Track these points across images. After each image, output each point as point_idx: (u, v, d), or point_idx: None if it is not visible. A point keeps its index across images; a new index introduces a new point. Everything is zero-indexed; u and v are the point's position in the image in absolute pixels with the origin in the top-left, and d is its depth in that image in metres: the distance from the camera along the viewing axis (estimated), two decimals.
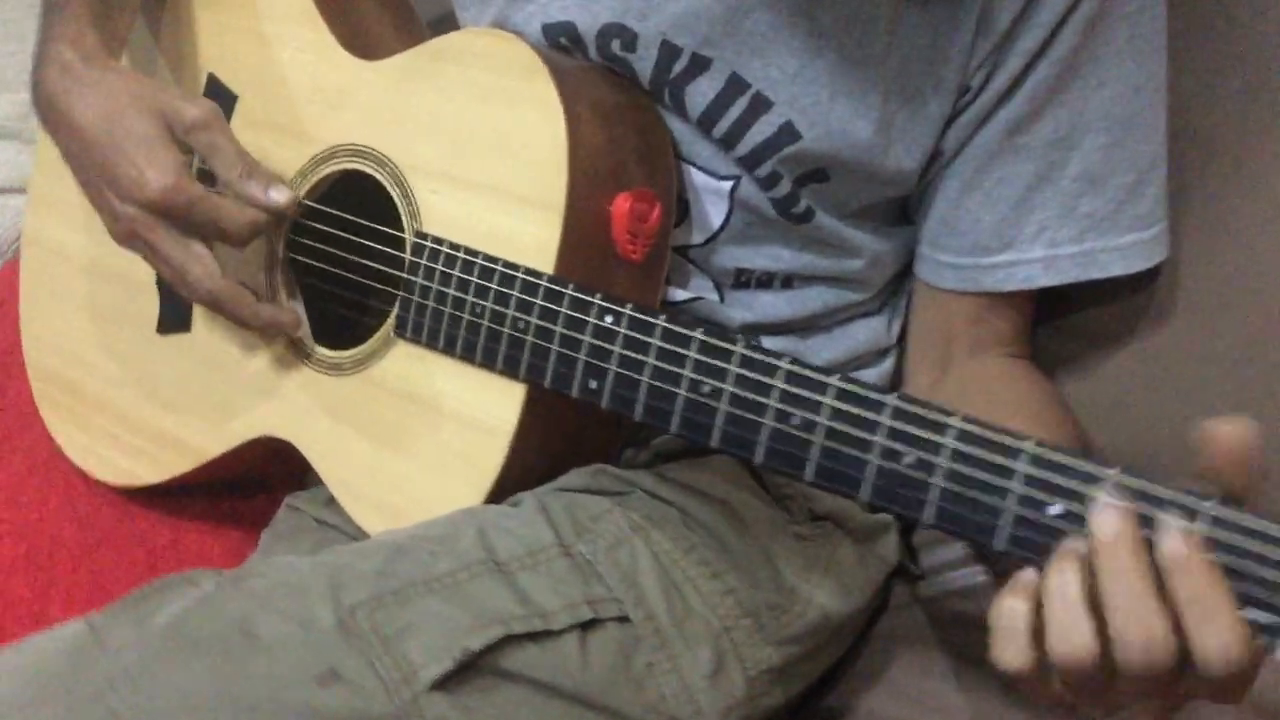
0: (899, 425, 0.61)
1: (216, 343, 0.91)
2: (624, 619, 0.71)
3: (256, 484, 1.06)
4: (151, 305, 0.95)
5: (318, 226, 0.88)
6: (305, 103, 0.87)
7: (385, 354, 0.82)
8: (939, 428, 0.60)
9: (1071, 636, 0.53)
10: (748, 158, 0.81)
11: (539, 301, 0.74)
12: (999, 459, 0.59)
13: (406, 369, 0.81)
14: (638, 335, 0.69)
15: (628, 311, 0.70)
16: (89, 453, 1.00)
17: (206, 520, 1.03)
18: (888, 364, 0.91)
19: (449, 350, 0.78)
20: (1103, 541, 0.53)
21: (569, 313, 0.72)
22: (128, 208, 0.80)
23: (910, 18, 0.76)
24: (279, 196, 0.82)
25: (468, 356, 0.77)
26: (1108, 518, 0.54)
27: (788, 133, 0.79)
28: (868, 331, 0.90)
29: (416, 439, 0.80)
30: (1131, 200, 0.80)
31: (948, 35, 0.76)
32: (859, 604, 0.81)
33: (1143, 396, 0.84)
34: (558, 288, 0.73)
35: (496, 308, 0.76)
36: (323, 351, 0.86)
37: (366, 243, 0.86)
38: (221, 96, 0.92)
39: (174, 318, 0.94)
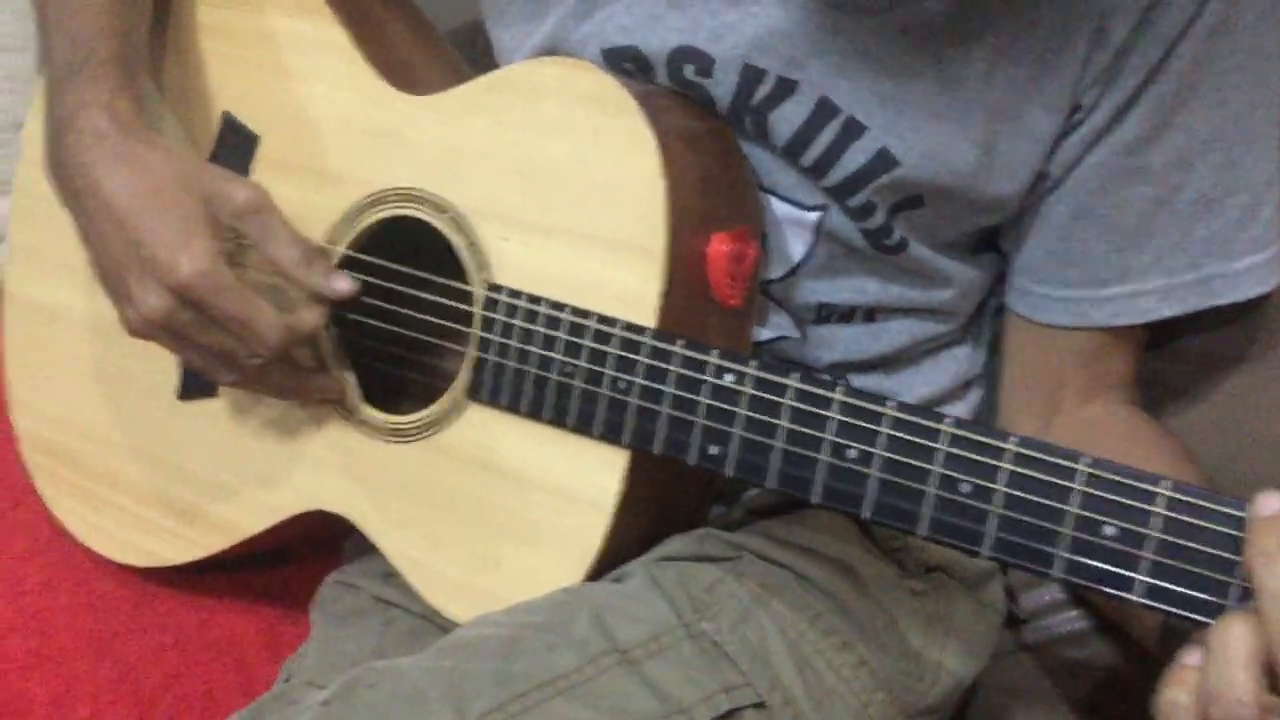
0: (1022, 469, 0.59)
1: (249, 408, 0.83)
2: (760, 705, 0.65)
3: (280, 554, 0.98)
4: (169, 369, 0.87)
5: (363, 279, 0.80)
6: (343, 143, 0.79)
7: (456, 419, 0.75)
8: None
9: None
10: (840, 187, 0.75)
11: (643, 359, 0.67)
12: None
13: (483, 435, 0.73)
14: (767, 396, 0.63)
15: (752, 371, 0.63)
16: (100, 533, 0.91)
17: (235, 598, 0.95)
18: (974, 396, 0.86)
19: (534, 414, 0.71)
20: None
21: (681, 371, 0.66)
22: (152, 294, 0.71)
23: (1018, 30, 0.71)
24: (342, 285, 0.75)
25: (558, 420, 0.70)
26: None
27: (884, 159, 0.74)
28: (954, 363, 0.85)
29: (500, 513, 0.72)
30: (1248, 222, 0.75)
31: (1058, 48, 0.71)
32: (984, 663, 0.76)
33: (1254, 419, 0.80)
34: (664, 344, 0.66)
35: (591, 367, 0.69)
36: (376, 415, 0.78)
37: (422, 296, 0.78)
38: (240, 137, 0.84)
39: (197, 382, 0.85)
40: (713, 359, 0.64)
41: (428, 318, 0.77)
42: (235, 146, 0.84)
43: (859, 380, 0.82)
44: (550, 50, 0.80)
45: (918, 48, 0.71)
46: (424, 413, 0.76)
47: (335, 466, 0.79)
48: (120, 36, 0.77)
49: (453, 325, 0.83)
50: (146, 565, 0.89)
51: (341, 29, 0.80)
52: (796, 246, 0.79)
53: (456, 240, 0.74)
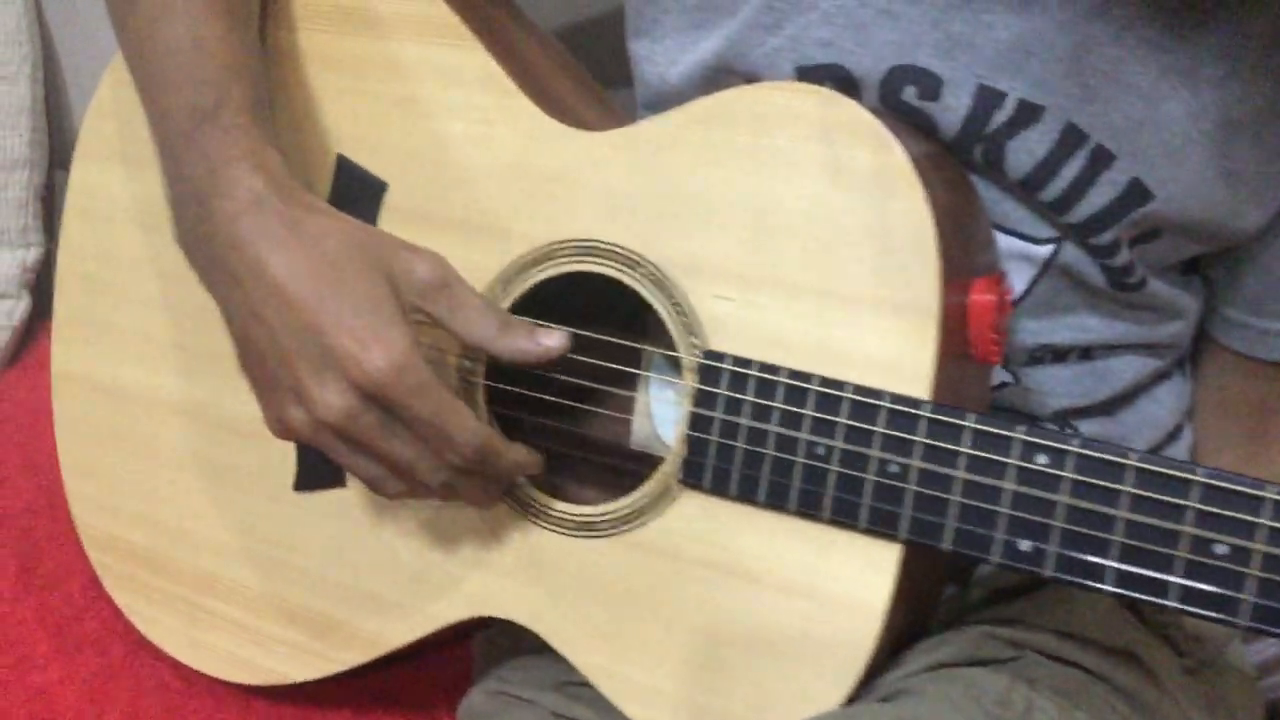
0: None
1: (386, 501, 0.71)
2: None
3: None
4: (280, 455, 0.74)
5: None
6: (496, 189, 0.67)
7: (664, 508, 0.64)
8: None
9: None
10: (1086, 224, 0.65)
11: (920, 439, 0.57)
12: None
13: (704, 528, 0.62)
14: (1096, 481, 0.53)
15: (1075, 449, 0.53)
16: (201, 648, 0.78)
17: (345, 706, 0.83)
18: (1189, 435, 0.78)
19: (776, 503, 0.60)
20: None
21: (973, 453, 0.55)
22: (332, 392, 0.59)
23: (1272, 44, 0.62)
24: (552, 341, 0.63)
25: (806, 510, 0.59)
26: None
27: (1137, 192, 0.64)
28: (1173, 399, 0.76)
29: (731, 620, 0.62)
30: None
31: None
32: None
33: None
34: (951, 419, 0.56)
35: (850, 448, 0.58)
36: (559, 506, 0.67)
37: (609, 366, 0.68)
38: (361, 185, 0.71)
39: (318, 470, 0.73)
40: (1019, 435, 0.54)
41: (620, 391, 0.66)
42: (356, 196, 0.71)
43: (1085, 427, 0.73)
44: (723, 68, 0.69)
45: (1178, 67, 0.62)
46: (622, 502, 0.65)
47: (509, 567, 0.68)
48: (251, 76, 0.65)
49: (619, 392, 0.72)
50: (264, 684, 0.77)
51: (487, 54, 0.68)
52: (1016, 283, 0.69)
53: (656, 300, 0.63)
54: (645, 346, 0.65)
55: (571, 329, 0.66)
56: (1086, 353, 0.73)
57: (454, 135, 0.69)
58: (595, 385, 0.70)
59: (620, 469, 0.75)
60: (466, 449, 0.60)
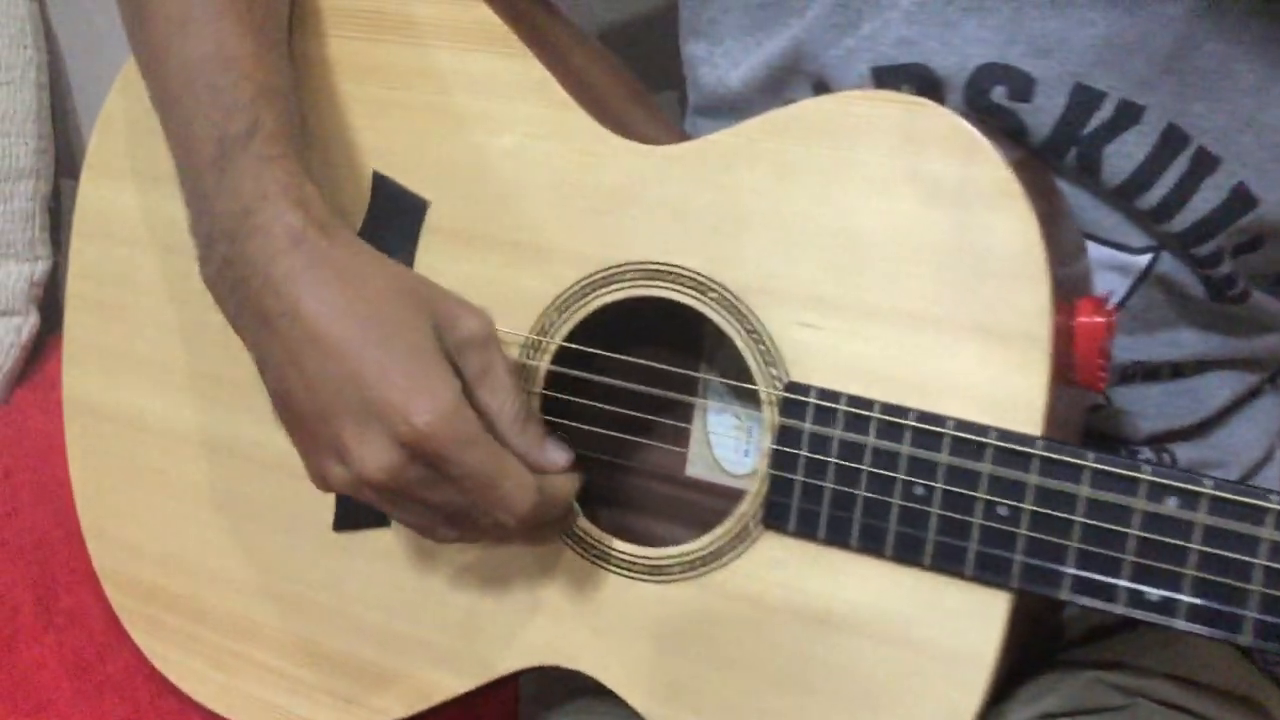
0: None
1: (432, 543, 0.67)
2: None
3: None
4: (315, 492, 0.68)
5: (590, 378, 0.64)
6: (550, 207, 0.62)
7: (743, 551, 0.59)
8: None
9: None
10: (1188, 233, 0.61)
11: (1034, 479, 0.52)
12: None
13: (788, 573, 0.57)
14: (1233, 526, 0.49)
15: (1209, 491, 0.49)
16: (234, 696, 0.73)
17: None
18: None
19: (870, 548, 0.55)
20: None
21: (1095, 495, 0.51)
22: (376, 448, 0.54)
23: None
24: (559, 457, 0.59)
25: (905, 556, 0.55)
26: None
27: (1242, 198, 0.60)
28: (1266, 417, 0.72)
29: (820, 671, 0.57)
30: None
31: None
32: None
33: None
34: (1070, 459, 0.51)
35: (953, 489, 0.53)
36: (624, 548, 0.62)
37: (637, 389, 0.63)
38: (399, 204, 0.66)
39: (360, 510, 0.68)
40: (1146, 476, 0.50)
41: (645, 415, 0.62)
42: (395, 216, 0.66)
43: (1182, 451, 0.69)
44: (789, 70, 0.64)
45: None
46: (696, 544, 0.60)
47: (571, 613, 0.63)
48: (283, 98, 0.59)
49: (679, 424, 0.67)
50: None
51: (535, 61, 0.63)
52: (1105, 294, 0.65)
53: (731, 328, 0.59)
54: (702, 375, 0.60)
55: (624, 355, 0.62)
56: (1178, 369, 0.69)
57: (501, 149, 0.63)
58: (645, 416, 0.66)
59: (677, 500, 0.71)
60: (519, 504, 0.56)
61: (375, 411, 0.54)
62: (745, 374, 0.60)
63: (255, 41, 0.60)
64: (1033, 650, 0.62)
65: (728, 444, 0.70)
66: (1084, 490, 0.51)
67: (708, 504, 0.71)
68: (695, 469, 0.71)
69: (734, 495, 0.71)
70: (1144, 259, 0.63)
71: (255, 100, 0.58)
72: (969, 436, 0.53)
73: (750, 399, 0.67)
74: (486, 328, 0.57)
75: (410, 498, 0.56)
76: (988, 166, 0.53)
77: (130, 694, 0.78)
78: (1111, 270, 0.64)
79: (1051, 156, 0.61)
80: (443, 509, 0.57)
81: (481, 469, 0.55)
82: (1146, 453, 0.68)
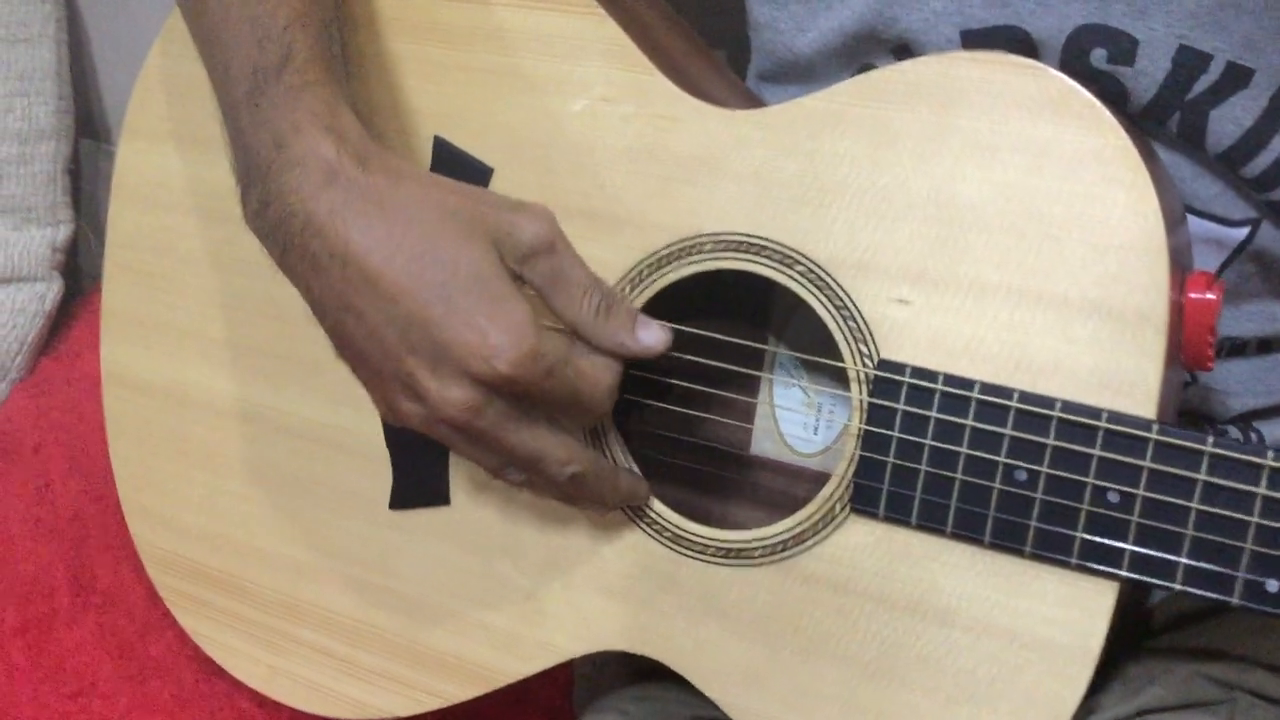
0: None
1: (497, 520, 0.64)
2: None
3: None
4: (372, 469, 0.67)
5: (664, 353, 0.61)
6: (624, 175, 0.59)
7: (828, 535, 0.57)
8: None
9: None
10: None
11: (1148, 464, 0.49)
12: None
13: (876, 558, 0.55)
14: None
15: None
16: (285, 678, 0.71)
17: None
18: None
19: (966, 534, 0.53)
20: None
21: (1212, 480, 0.48)
22: (453, 386, 0.51)
23: None
24: (650, 337, 0.56)
25: (1004, 543, 0.53)
26: None
27: None
28: None
29: (911, 662, 0.55)
30: None
31: None
32: None
33: None
34: (1189, 444, 0.48)
35: (1060, 474, 0.51)
36: (697, 529, 0.60)
37: (709, 364, 0.60)
38: (462, 169, 0.63)
39: (418, 486, 0.66)
40: (1269, 462, 0.47)
41: (716, 391, 0.59)
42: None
43: (1269, 429, 0.67)
44: (867, 35, 0.61)
45: None
46: (778, 527, 0.58)
47: (642, 596, 0.61)
48: (320, 27, 0.56)
49: (744, 399, 0.65)
50: (354, 718, 0.70)
51: (608, 20, 0.59)
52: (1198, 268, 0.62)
53: (818, 303, 0.56)
54: (770, 348, 0.58)
55: (688, 327, 0.59)
56: (1266, 345, 0.66)
57: (571, 114, 0.60)
58: (710, 390, 0.63)
59: (741, 479, 0.69)
60: (605, 403, 0.55)
61: (451, 353, 0.51)
62: (821, 348, 0.58)
63: None
64: (1121, 636, 0.60)
65: (795, 421, 0.67)
66: (1201, 476, 0.49)
67: (773, 483, 0.69)
68: (761, 446, 0.68)
69: (800, 474, 0.69)
70: (1241, 232, 0.61)
71: (289, 28, 0.55)
72: (1080, 419, 0.50)
73: (822, 374, 0.65)
74: (547, 229, 0.54)
75: (487, 436, 0.53)
76: (1105, 135, 0.50)
77: (175, 676, 0.76)
78: (1207, 243, 0.61)
79: (1151, 123, 0.58)
80: (515, 453, 0.54)
81: (567, 394, 0.53)
82: (1234, 431, 0.66)
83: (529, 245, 0.53)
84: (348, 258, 0.52)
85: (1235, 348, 0.66)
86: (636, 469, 0.61)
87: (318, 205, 0.52)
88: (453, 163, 0.64)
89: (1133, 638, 0.63)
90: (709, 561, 0.59)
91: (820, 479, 0.65)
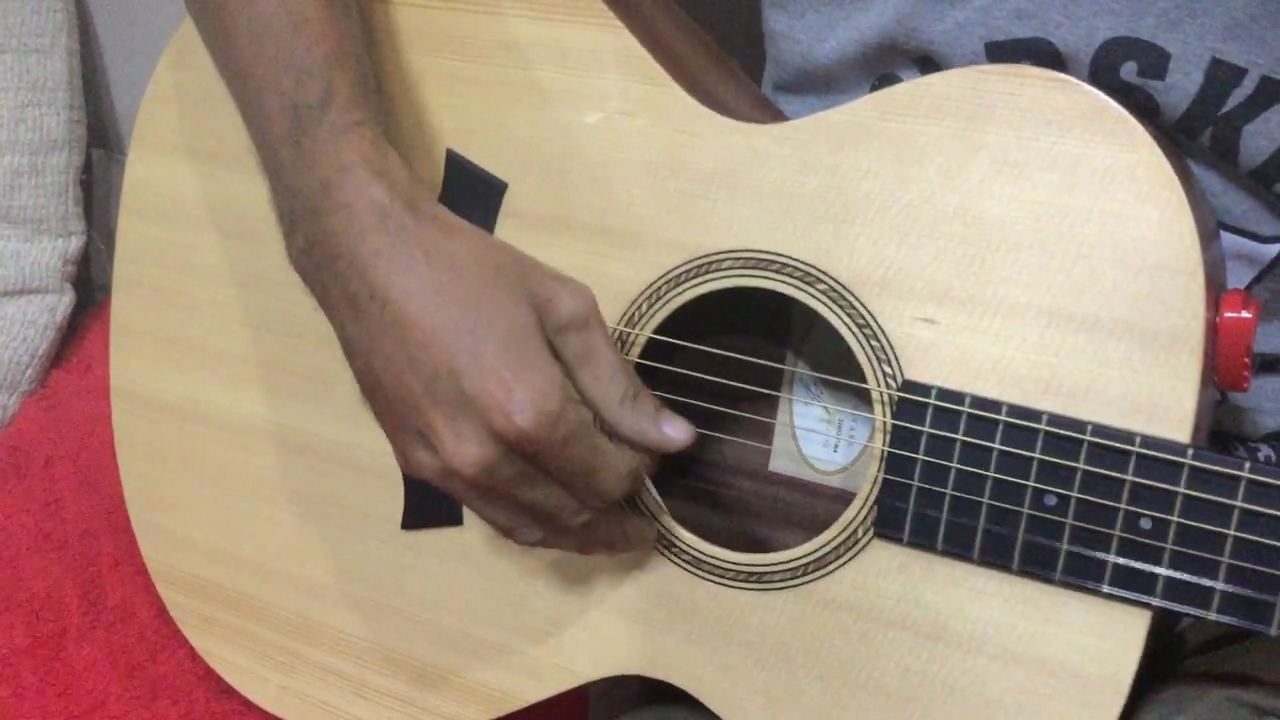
0: None
1: (509, 542, 0.63)
2: None
3: None
4: (384, 488, 0.66)
5: (679, 372, 0.60)
6: (640, 190, 0.58)
7: (850, 559, 0.55)
8: None
9: None
10: None
11: (1183, 490, 0.48)
12: None
13: (900, 583, 0.54)
14: None
15: None
16: (291, 696, 0.70)
17: None
18: None
19: (993, 560, 0.52)
20: None
21: (1250, 508, 0.47)
22: (470, 441, 0.50)
23: None
24: (676, 433, 0.55)
25: (1032, 569, 0.51)
26: None
27: None
28: None
29: (938, 691, 0.53)
30: None
31: None
32: None
33: None
34: (1225, 469, 0.47)
35: (1091, 499, 0.49)
36: (716, 552, 0.59)
37: (761, 390, 0.59)
38: (476, 185, 0.62)
39: (430, 506, 0.65)
40: None
41: (734, 411, 0.58)
42: (471, 199, 0.62)
43: None
44: (888, 45, 0.60)
45: None
46: (799, 551, 0.56)
47: (660, 620, 0.59)
48: (356, 62, 0.55)
49: (762, 419, 0.64)
50: None
51: (624, 31, 0.58)
52: (1230, 284, 0.61)
53: (839, 322, 0.55)
54: (788, 367, 0.56)
55: (706, 346, 0.58)
56: None
57: (587, 128, 0.59)
58: (729, 410, 0.62)
59: (760, 497, 0.67)
60: (620, 489, 0.53)
61: (473, 405, 0.50)
62: (843, 368, 0.56)
63: (326, 3, 0.56)
64: (1153, 660, 0.59)
65: (815, 440, 0.66)
66: (1239, 503, 0.47)
67: (793, 501, 0.68)
68: (780, 464, 0.67)
69: (820, 492, 0.67)
70: (1273, 248, 0.59)
71: (328, 65, 0.54)
72: (1112, 444, 0.49)
73: (842, 392, 0.64)
74: (587, 306, 0.53)
75: (500, 494, 0.52)
76: (1138, 150, 0.49)
77: (185, 695, 0.75)
78: (1237, 259, 0.60)
79: (1183, 137, 0.57)
80: (530, 509, 0.53)
81: (582, 465, 0.52)
82: (1265, 450, 0.64)
83: (567, 318, 0.53)
84: (388, 300, 0.51)
85: (1266, 364, 0.65)
86: (655, 492, 0.60)
87: (364, 247, 0.52)
88: (466, 178, 0.62)
89: (1165, 662, 0.62)
90: (728, 585, 0.58)
91: (841, 496, 0.64)
